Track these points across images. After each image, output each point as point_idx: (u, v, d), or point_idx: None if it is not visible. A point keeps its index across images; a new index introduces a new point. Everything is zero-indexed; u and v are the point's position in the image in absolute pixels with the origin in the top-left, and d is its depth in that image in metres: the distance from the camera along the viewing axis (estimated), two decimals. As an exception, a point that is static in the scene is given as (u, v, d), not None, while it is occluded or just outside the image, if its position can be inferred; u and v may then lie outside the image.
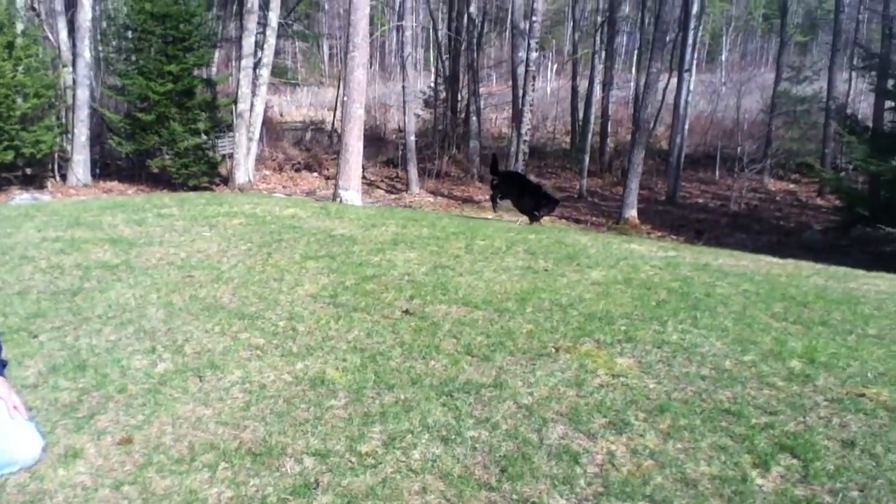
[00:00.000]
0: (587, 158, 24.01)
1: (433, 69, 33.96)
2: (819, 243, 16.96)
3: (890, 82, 17.57)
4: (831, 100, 23.69)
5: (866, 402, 3.63)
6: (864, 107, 26.99)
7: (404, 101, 24.14)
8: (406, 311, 4.96)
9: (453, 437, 3.23)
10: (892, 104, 18.04)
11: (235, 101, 21.45)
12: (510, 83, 26.85)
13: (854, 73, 26.49)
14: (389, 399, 3.62)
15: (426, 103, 31.44)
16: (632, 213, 18.47)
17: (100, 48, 23.88)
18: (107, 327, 4.69)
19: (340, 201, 14.67)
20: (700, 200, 23.16)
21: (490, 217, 16.76)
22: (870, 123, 20.17)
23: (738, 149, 23.53)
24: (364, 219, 9.39)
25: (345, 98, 15.43)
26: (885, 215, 14.80)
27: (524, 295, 5.42)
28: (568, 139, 31.12)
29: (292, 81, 42.14)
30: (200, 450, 3.21)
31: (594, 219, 19.47)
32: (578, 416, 3.42)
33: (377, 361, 4.08)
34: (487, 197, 22.61)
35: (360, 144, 16.67)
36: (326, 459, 3.09)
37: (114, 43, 24.01)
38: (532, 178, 18.15)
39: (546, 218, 19.27)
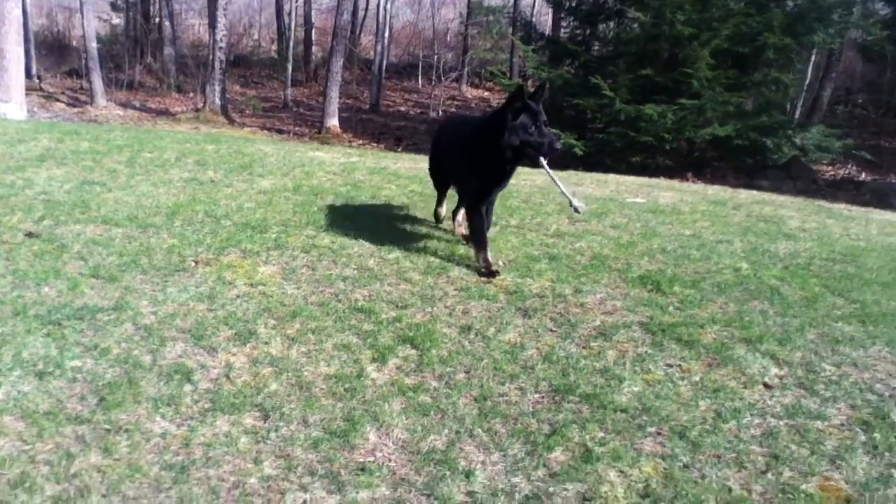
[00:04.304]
0: (290, 67, 23.24)
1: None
2: (506, 145, 18.21)
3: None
4: (517, 11, 25.20)
5: (490, 289, 3.88)
6: (549, 19, 29.11)
7: (81, 3, 21.22)
8: (29, 234, 4.34)
9: (51, 370, 2.86)
10: (565, 15, 19.58)
11: None
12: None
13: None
14: (-20, 336, 3.12)
15: (114, 6, 27.99)
16: (333, 121, 18.27)
17: None
18: None
19: (-3, 116, 12.68)
20: (403, 108, 23.70)
21: (182, 130, 15.62)
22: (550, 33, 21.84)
23: (436, 57, 24.27)
24: (13, 133, 8.14)
25: (-8, -6, 13.11)
26: (556, 118, 16.20)
27: (176, 208, 5.03)
28: (275, 48, 29.84)
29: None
30: None
31: (297, 129, 19.01)
32: (203, 332, 3.22)
33: (-25, 295, 3.51)
34: (185, 108, 21.16)
35: (21, 50, 14.42)
36: None
37: None
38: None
39: (246, 129, 18.57)
